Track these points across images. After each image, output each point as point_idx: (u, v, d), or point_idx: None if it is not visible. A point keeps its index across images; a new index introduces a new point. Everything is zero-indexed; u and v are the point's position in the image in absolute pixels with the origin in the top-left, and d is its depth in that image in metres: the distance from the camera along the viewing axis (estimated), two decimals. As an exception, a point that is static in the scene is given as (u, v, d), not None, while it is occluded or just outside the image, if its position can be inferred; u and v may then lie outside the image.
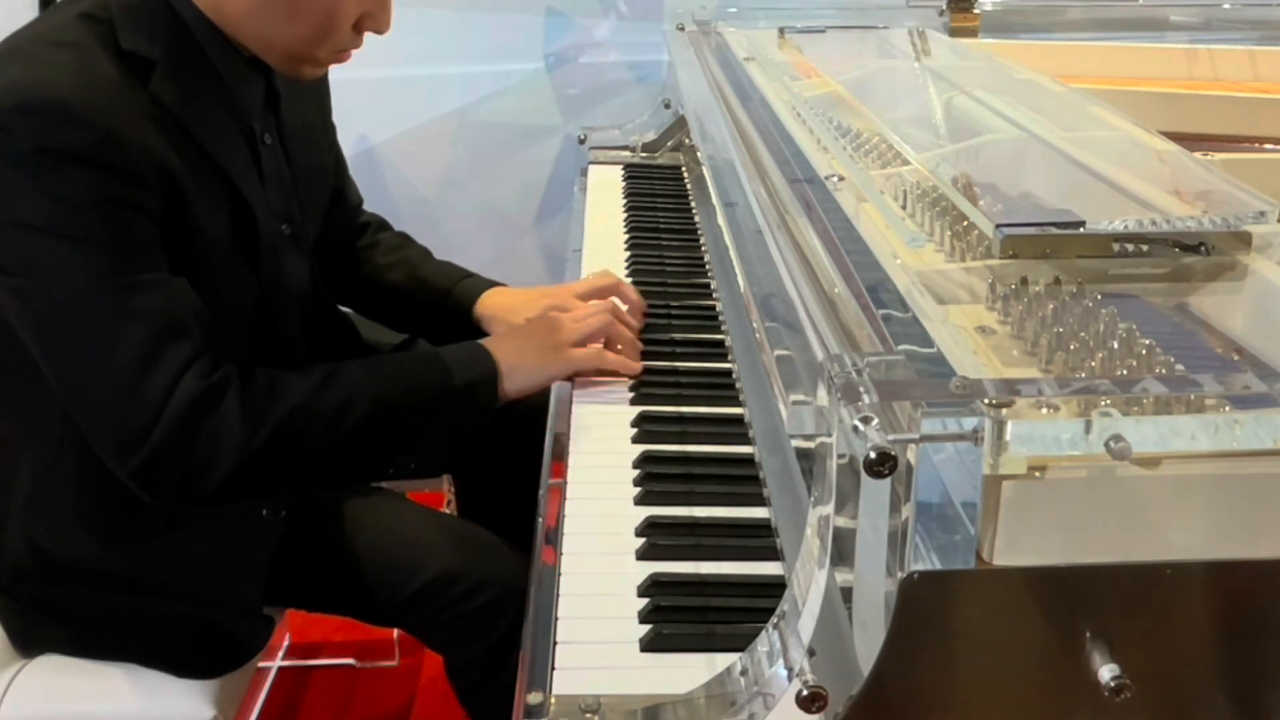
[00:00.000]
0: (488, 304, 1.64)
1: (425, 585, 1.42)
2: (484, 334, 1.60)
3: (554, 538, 1.18)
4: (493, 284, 1.68)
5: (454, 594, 1.42)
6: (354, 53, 1.38)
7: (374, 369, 1.36)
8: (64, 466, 1.34)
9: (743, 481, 1.26)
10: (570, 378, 1.46)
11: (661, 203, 2.15)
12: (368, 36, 1.37)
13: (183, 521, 1.36)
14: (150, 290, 1.21)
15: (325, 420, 1.28)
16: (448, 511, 1.97)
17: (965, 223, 1.15)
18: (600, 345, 1.47)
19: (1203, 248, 1.07)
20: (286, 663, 2.25)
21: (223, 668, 1.41)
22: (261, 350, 1.38)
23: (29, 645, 1.42)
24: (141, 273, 1.21)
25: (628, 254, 1.90)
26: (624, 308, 1.55)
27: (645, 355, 1.54)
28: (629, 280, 1.78)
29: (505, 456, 1.68)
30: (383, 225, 1.80)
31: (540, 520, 1.21)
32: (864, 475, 0.72)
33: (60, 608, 1.40)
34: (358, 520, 1.48)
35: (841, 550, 0.81)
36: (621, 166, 2.37)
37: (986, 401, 0.71)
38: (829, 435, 0.79)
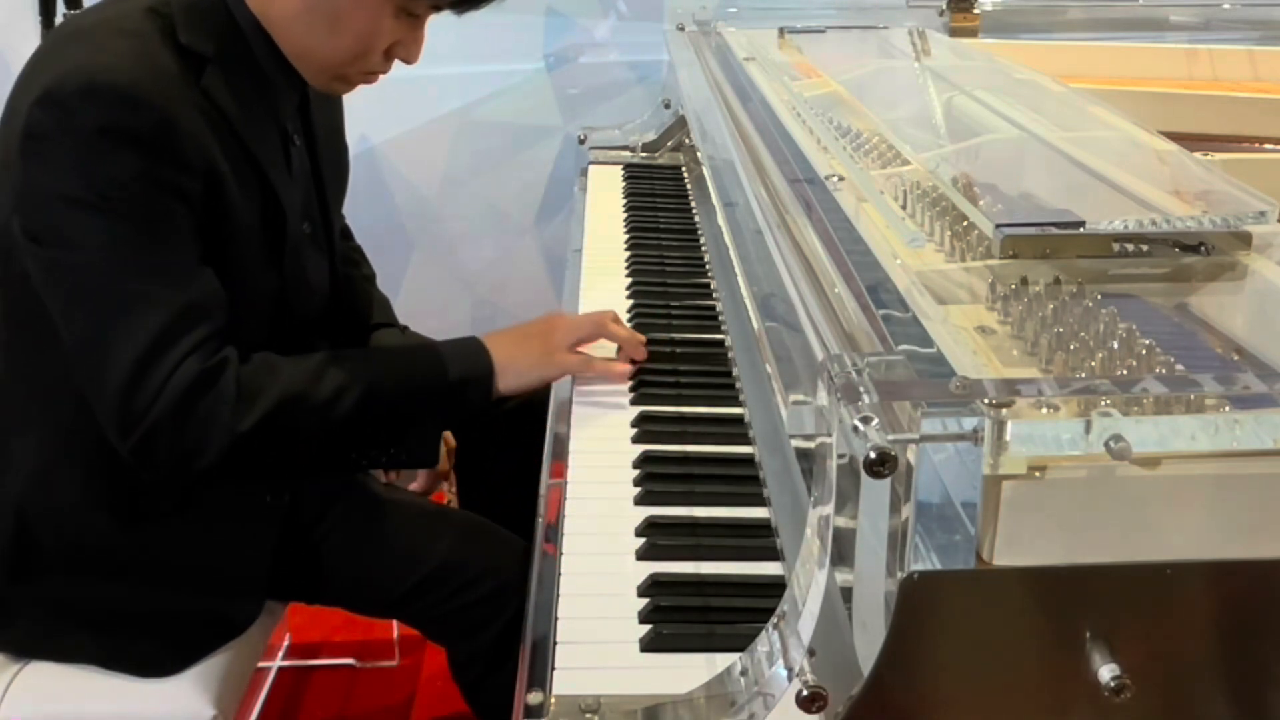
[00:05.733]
0: None
1: (427, 575, 1.43)
2: None
3: (554, 538, 1.18)
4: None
5: (456, 584, 1.43)
6: None
7: (371, 358, 1.38)
8: (79, 443, 1.35)
9: (743, 481, 1.26)
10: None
11: (661, 203, 2.15)
12: None
13: (191, 502, 1.39)
14: (175, 275, 1.25)
15: (317, 407, 1.31)
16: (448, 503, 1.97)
17: (965, 223, 1.15)
18: (589, 352, 1.49)
19: (1203, 248, 1.07)
20: (286, 663, 2.25)
21: (180, 664, 1.39)
22: (279, 340, 1.40)
23: None
24: (170, 256, 1.25)
25: (628, 254, 1.90)
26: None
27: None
28: (629, 282, 1.78)
29: (505, 450, 1.69)
30: (343, 234, 1.79)
31: (540, 520, 1.22)
32: (864, 475, 0.72)
33: (22, 606, 1.39)
34: (360, 510, 1.49)
35: (841, 550, 0.81)
36: (621, 166, 2.37)
37: (986, 401, 0.71)
38: (829, 435, 0.79)
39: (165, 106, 1.23)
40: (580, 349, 1.49)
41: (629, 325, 1.61)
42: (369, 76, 1.40)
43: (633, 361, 1.50)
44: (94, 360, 1.25)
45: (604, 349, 1.51)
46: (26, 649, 1.40)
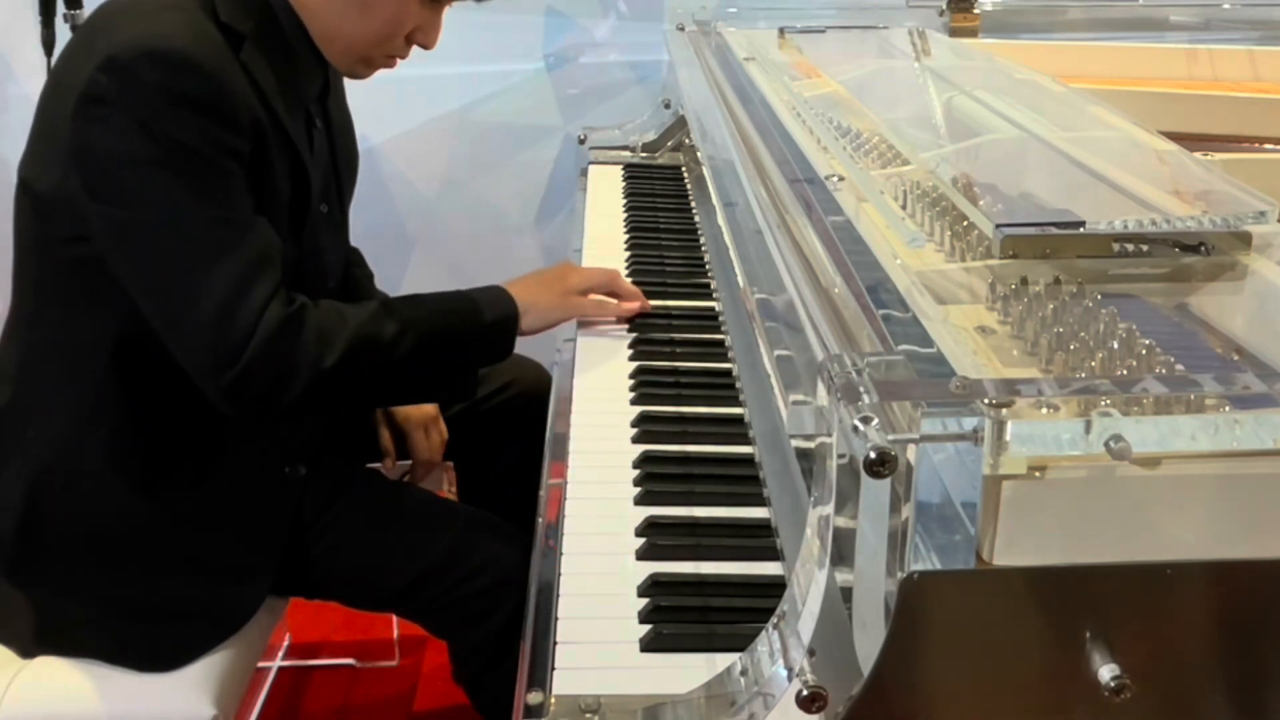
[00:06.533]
0: None
1: (428, 568, 1.45)
2: None
3: (554, 537, 1.18)
4: None
5: (457, 577, 1.45)
6: None
7: (417, 304, 1.48)
8: (105, 409, 1.38)
9: (743, 481, 1.26)
10: (573, 373, 1.49)
11: (661, 203, 2.15)
12: None
13: (209, 473, 1.43)
14: (242, 227, 1.32)
15: (382, 347, 1.40)
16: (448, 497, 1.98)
17: (965, 223, 1.15)
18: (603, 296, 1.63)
19: (1203, 248, 1.07)
20: (286, 663, 2.25)
21: (185, 658, 1.40)
22: None
23: None
24: (233, 210, 1.32)
25: (628, 254, 1.90)
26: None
27: (645, 355, 1.54)
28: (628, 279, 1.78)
29: (504, 443, 1.71)
30: None
31: (540, 520, 1.22)
32: (864, 475, 0.72)
33: (28, 597, 1.40)
34: (363, 504, 1.51)
35: (841, 550, 0.81)
36: (621, 166, 2.37)
37: (986, 401, 0.71)
38: (829, 435, 0.79)
39: (219, 72, 1.30)
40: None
41: (629, 324, 1.63)
42: (390, 61, 1.47)
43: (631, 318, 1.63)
44: (176, 311, 1.31)
45: None
46: (32, 643, 1.40)
